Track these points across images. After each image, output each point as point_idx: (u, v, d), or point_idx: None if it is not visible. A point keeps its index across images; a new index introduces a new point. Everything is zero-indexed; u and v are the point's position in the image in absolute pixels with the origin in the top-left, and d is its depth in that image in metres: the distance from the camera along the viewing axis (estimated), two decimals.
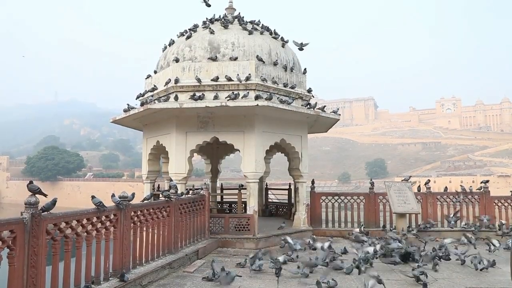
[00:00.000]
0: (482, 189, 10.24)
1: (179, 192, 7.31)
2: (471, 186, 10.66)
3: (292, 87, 9.32)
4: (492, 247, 8.01)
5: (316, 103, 9.87)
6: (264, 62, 8.97)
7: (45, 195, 4.38)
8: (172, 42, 9.90)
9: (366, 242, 7.82)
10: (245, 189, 8.96)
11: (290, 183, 11.41)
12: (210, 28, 9.33)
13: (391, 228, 9.40)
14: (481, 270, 6.57)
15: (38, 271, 3.89)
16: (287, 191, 11.95)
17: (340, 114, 10.60)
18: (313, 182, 10.64)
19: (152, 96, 9.43)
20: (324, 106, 9.85)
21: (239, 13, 10.30)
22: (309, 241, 8.01)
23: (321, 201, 10.29)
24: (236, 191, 9.32)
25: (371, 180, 11.67)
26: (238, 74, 8.52)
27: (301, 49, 9.74)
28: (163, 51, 10.17)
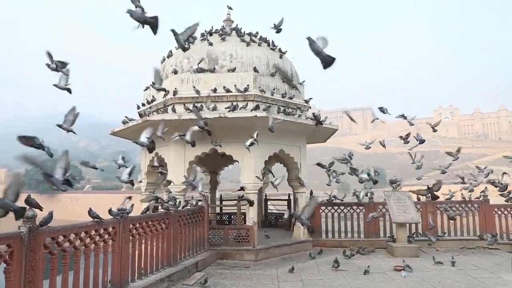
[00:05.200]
0: (482, 198, 10.21)
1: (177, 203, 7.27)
2: None
3: (290, 98, 9.35)
4: None
5: (313, 113, 9.90)
6: (262, 73, 9.01)
7: (41, 209, 4.36)
8: (170, 54, 9.95)
9: None
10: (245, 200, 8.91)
11: (289, 194, 11.37)
12: (208, 40, 9.40)
13: None
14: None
15: (35, 286, 3.85)
16: (286, 201, 11.90)
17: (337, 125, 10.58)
18: (311, 192, 10.59)
19: (150, 107, 9.45)
20: (325, 117, 9.87)
21: (237, 24, 10.38)
22: None
23: (321, 211, 10.24)
24: (236, 202, 9.28)
25: (370, 189, 11.59)
26: (236, 85, 8.55)
27: (278, 31, 9.08)
28: (162, 63, 10.22)
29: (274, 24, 8.03)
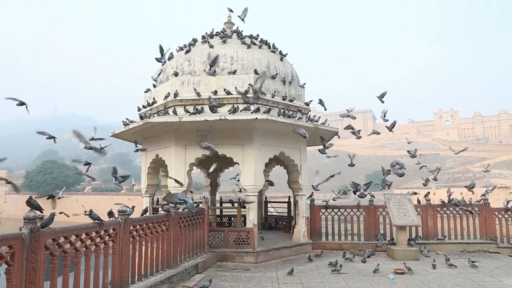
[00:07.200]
0: (482, 201, 10.21)
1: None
2: None
3: (291, 100, 9.36)
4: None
5: (314, 115, 9.92)
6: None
7: (42, 210, 4.37)
8: (171, 57, 9.97)
9: None
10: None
11: (289, 196, 11.36)
12: (209, 43, 9.42)
13: None
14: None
15: (36, 287, 3.85)
16: (286, 204, 11.90)
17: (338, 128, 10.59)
18: (311, 195, 10.58)
19: (151, 110, 9.46)
20: (325, 120, 9.88)
21: (238, 27, 10.42)
22: None
23: (321, 214, 10.24)
24: (236, 204, 9.28)
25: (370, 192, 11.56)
26: (237, 88, 8.56)
27: (243, 19, 9.77)
28: (162, 65, 10.21)
29: (239, 16, 9.55)
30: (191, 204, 6.79)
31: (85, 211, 5.60)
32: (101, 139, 7.04)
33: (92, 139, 6.79)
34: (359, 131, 9.00)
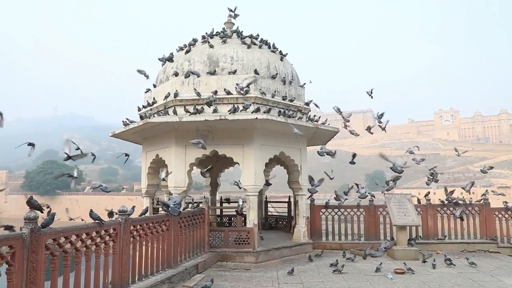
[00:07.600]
0: (482, 201, 10.21)
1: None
2: None
3: (291, 100, 9.36)
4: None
5: (315, 115, 9.93)
6: (263, 76, 9.03)
7: (42, 211, 4.38)
8: (171, 56, 9.96)
9: None
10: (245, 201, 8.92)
11: (289, 196, 11.37)
12: (209, 43, 9.42)
13: None
14: None
15: (36, 287, 3.86)
16: (286, 204, 11.90)
17: (339, 128, 10.59)
18: (311, 194, 10.55)
19: (151, 110, 9.47)
20: (325, 120, 9.88)
21: (238, 27, 10.42)
22: None
23: (321, 213, 10.24)
24: (236, 204, 9.28)
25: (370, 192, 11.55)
26: (236, 88, 8.56)
27: (235, 15, 10.55)
28: (163, 65, 10.23)
29: (234, 14, 10.46)
30: (173, 207, 6.70)
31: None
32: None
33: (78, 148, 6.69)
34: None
